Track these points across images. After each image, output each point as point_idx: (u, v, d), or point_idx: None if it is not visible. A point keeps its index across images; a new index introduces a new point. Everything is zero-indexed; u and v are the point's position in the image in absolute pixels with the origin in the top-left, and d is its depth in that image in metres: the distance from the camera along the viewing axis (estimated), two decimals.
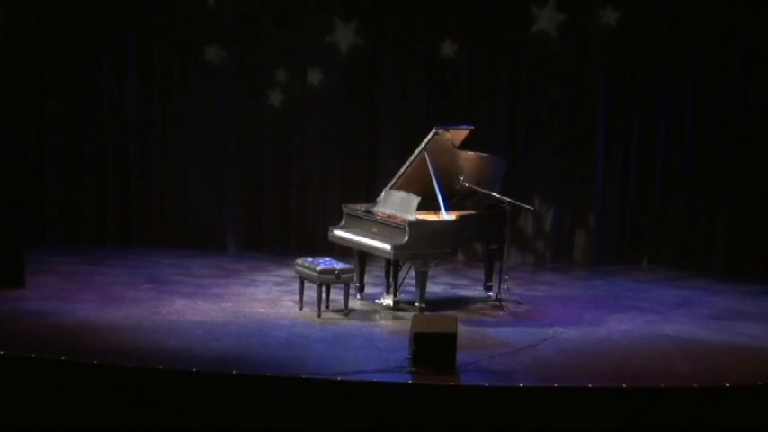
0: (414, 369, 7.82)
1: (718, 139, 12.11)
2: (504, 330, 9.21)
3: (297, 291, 9.64)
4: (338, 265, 9.42)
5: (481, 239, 10.40)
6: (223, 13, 12.08)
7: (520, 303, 10.14)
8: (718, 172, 12.15)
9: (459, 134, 10.00)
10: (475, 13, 12.13)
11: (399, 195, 9.74)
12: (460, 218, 9.74)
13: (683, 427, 7.43)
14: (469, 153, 10.00)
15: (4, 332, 8.35)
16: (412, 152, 9.86)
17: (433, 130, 9.77)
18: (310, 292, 9.53)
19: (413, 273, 9.69)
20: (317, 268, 9.34)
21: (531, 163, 12.41)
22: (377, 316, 9.60)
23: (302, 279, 9.55)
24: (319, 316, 9.34)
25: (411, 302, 9.70)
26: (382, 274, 10.18)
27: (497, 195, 10.08)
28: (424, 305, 9.50)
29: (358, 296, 10.05)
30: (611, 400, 7.50)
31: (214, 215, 12.38)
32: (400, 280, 9.95)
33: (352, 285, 9.64)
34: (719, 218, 12.17)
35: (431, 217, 9.71)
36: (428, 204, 9.69)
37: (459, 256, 11.98)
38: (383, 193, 9.96)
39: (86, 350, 7.91)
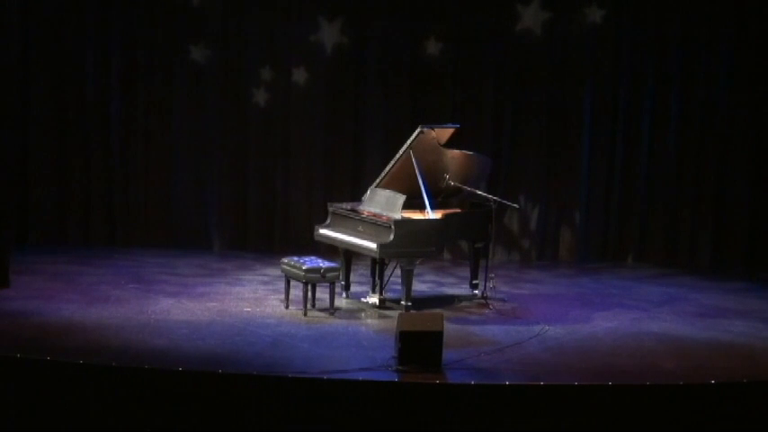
0: (400, 367, 7.80)
1: (702, 139, 12.15)
2: (490, 328, 9.21)
3: (283, 290, 9.62)
4: (324, 264, 9.41)
5: (467, 238, 10.40)
6: (207, 12, 12.05)
7: (506, 301, 10.14)
8: (702, 170, 12.20)
9: (445, 133, 9.99)
10: (460, 11, 12.13)
11: (385, 194, 9.74)
12: (446, 216, 9.74)
13: (669, 425, 7.44)
14: (455, 151, 9.99)
15: None
16: (397, 151, 9.85)
17: (419, 129, 9.76)
18: (296, 291, 9.51)
19: (399, 271, 9.69)
20: (303, 267, 9.33)
21: (516, 161, 12.42)
22: (363, 314, 9.59)
23: (288, 278, 9.53)
24: (305, 315, 9.33)
25: (397, 301, 9.69)
26: (368, 272, 10.16)
27: (483, 193, 10.09)
28: (409, 303, 9.50)
29: (344, 295, 10.04)
30: (597, 397, 7.50)
31: (199, 214, 12.36)
32: (386, 278, 9.94)
33: (337, 284, 9.65)
34: (704, 216, 12.22)
35: (416, 215, 9.70)
36: (413, 203, 9.69)
37: (445, 255, 11.98)
38: (368, 192, 9.96)
39: (72, 350, 7.88)
